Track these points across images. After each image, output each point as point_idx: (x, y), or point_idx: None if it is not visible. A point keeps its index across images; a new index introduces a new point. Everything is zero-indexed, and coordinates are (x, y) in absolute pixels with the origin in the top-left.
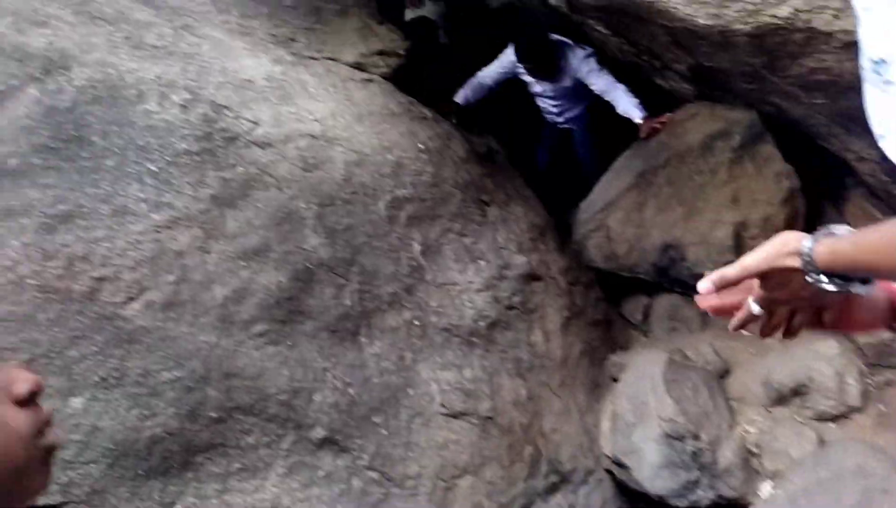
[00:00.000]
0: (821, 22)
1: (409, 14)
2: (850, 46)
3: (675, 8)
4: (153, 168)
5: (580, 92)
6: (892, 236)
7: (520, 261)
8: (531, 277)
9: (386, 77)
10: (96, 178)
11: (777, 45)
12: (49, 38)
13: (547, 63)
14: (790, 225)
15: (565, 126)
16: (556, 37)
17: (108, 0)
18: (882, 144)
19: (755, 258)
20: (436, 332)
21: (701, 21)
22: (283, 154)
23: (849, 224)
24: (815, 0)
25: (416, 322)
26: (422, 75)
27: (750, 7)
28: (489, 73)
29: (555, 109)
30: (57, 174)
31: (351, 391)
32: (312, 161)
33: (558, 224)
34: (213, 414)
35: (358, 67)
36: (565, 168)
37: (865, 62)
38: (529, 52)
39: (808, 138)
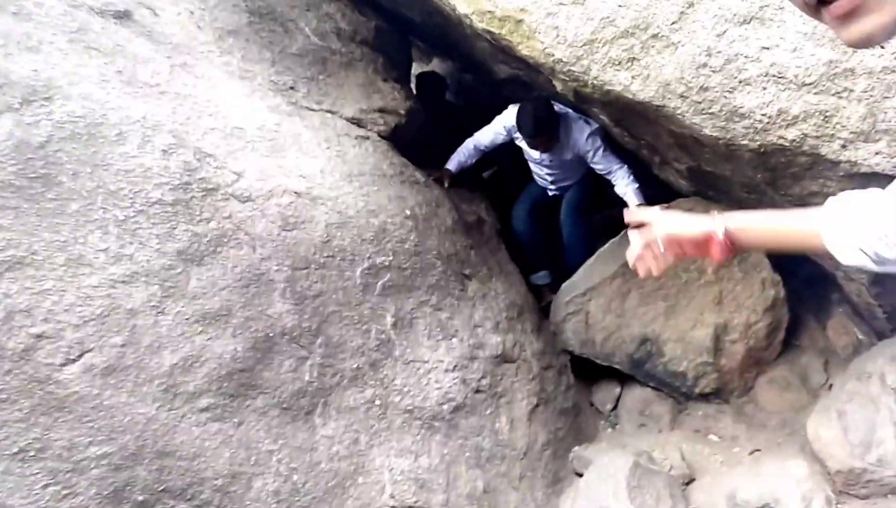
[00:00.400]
0: (828, 150)
1: (417, 68)
2: (855, 177)
3: (682, 115)
4: (120, 216)
5: (578, 166)
6: (781, 225)
7: (494, 341)
8: (503, 359)
9: (383, 135)
10: (57, 222)
11: (781, 164)
12: (37, 64)
13: (547, 135)
14: (772, 334)
15: (555, 193)
16: (560, 107)
17: (107, 30)
18: None
19: (682, 229)
20: (396, 413)
21: (707, 132)
22: (262, 210)
23: (830, 340)
24: (826, 128)
25: (377, 402)
26: (424, 132)
27: (758, 125)
28: (484, 136)
29: (549, 178)
30: (14, 215)
31: (295, 477)
32: (293, 220)
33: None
34: (140, 497)
35: (356, 122)
36: (545, 236)
37: None
38: (529, 122)
39: None
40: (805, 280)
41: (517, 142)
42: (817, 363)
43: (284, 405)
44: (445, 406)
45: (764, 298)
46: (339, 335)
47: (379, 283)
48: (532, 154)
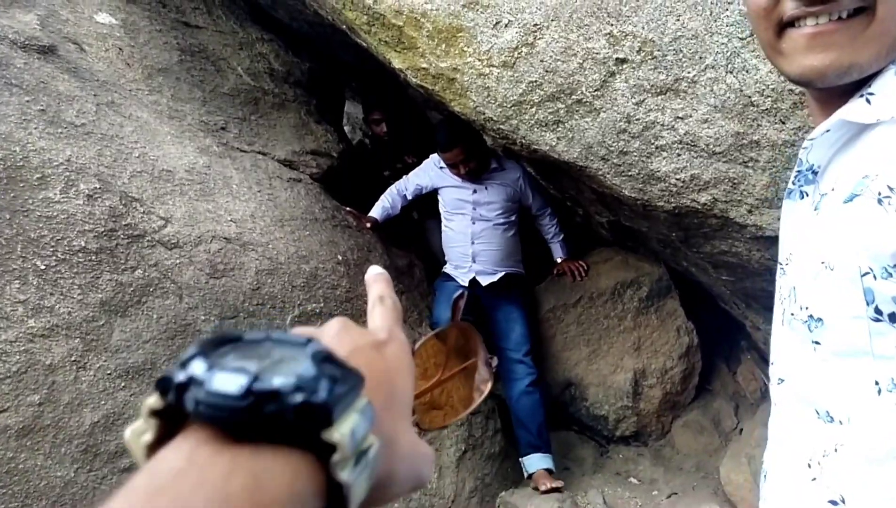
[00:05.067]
0: (736, 214)
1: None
2: (760, 239)
3: (603, 176)
4: (41, 265)
5: (508, 210)
6: None
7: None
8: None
9: (315, 177)
10: None
11: (694, 224)
12: None
13: (466, 148)
14: (686, 379)
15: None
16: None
17: (31, 66)
18: None
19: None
20: None
21: (626, 192)
22: (190, 257)
23: (740, 385)
24: (734, 194)
25: None
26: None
27: (673, 189)
28: (413, 178)
29: (472, 239)
30: None
31: None
32: (222, 267)
33: None
34: None
35: (288, 164)
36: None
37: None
38: (443, 131)
39: (711, 298)
40: (716, 328)
41: (443, 184)
42: (728, 408)
43: None
44: None
45: (679, 344)
46: None
47: None
48: (458, 194)
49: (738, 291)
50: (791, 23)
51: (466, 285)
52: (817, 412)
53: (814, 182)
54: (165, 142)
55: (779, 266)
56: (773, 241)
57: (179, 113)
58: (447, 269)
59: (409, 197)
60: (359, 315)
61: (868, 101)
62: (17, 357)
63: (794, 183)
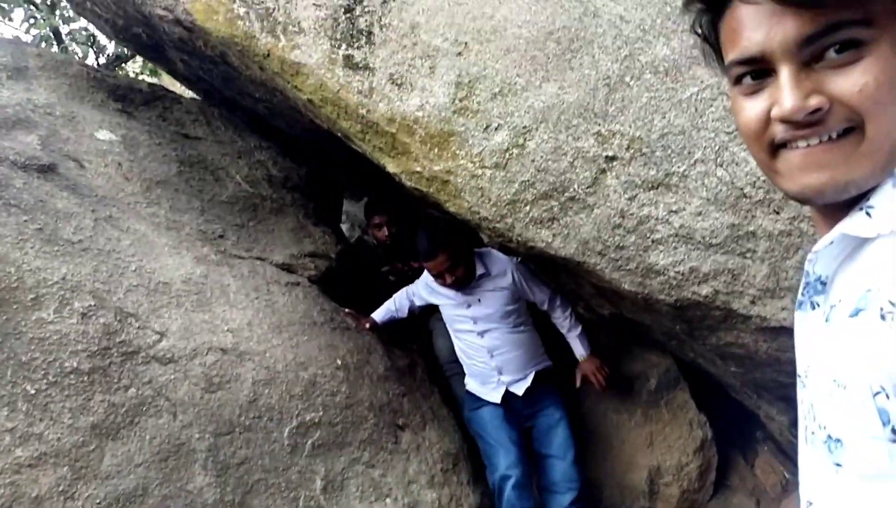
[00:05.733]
0: (739, 305)
1: (348, 205)
2: (765, 330)
3: (601, 271)
4: (31, 390)
5: (513, 312)
6: None
7: (430, 498)
8: None
9: (313, 280)
10: None
11: (697, 317)
12: None
13: (448, 254)
14: (703, 475)
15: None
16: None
17: (30, 185)
18: None
19: None
20: None
21: (626, 286)
22: (185, 372)
23: (759, 479)
24: (735, 285)
25: None
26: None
27: (673, 282)
28: (417, 287)
29: (487, 353)
30: None
31: None
32: (217, 380)
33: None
34: None
35: (286, 268)
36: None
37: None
38: (423, 240)
39: (721, 387)
40: (729, 419)
41: (439, 299)
42: (749, 504)
43: None
44: None
45: (693, 438)
46: (265, 507)
47: (308, 442)
48: (455, 310)
49: (749, 382)
50: (784, 143)
51: (499, 402)
52: None
53: (824, 292)
54: (163, 253)
55: (798, 378)
56: (779, 331)
57: (178, 223)
58: (472, 388)
59: (417, 304)
60: (359, 422)
61: (868, 214)
62: (2, 491)
63: (803, 294)
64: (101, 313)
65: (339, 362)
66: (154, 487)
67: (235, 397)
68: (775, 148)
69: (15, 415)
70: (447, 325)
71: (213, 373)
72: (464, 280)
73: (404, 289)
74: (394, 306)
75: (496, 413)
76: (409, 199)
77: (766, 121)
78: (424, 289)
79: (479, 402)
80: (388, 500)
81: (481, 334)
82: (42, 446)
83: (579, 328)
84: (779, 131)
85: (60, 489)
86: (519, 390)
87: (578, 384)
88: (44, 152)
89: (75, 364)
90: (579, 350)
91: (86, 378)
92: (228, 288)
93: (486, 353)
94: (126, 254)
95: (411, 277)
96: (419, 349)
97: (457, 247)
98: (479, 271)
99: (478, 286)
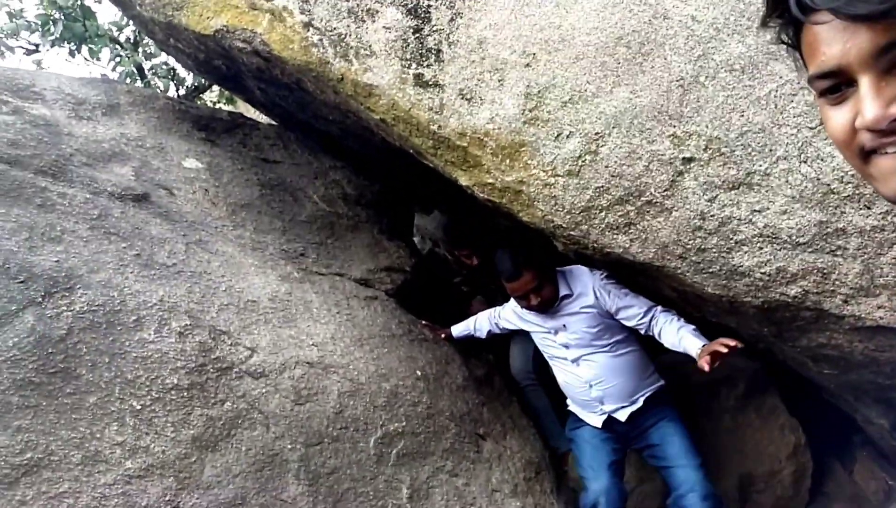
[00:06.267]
0: (831, 305)
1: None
2: (860, 330)
3: (683, 275)
4: (137, 406)
5: (607, 332)
6: None
7: (514, 506)
8: None
9: (390, 293)
10: (75, 418)
11: (786, 318)
12: (59, 255)
13: (533, 275)
14: (798, 482)
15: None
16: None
17: (126, 214)
18: None
19: None
20: None
21: (709, 290)
22: (276, 385)
23: (859, 486)
24: (825, 285)
25: None
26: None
27: (759, 283)
28: (504, 311)
29: (583, 374)
30: (33, 415)
31: None
32: (305, 393)
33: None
34: None
35: (364, 282)
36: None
37: None
38: (506, 261)
39: (815, 390)
40: (825, 423)
41: (529, 325)
42: None
43: None
44: None
45: (785, 443)
46: None
47: (393, 452)
48: (543, 338)
49: (844, 384)
50: (874, 150)
51: (600, 426)
52: None
53: None
54: (250, 273)
55: None
56: (876, 331)
57: (262, 244)
58: (573, 408)
59: (501, 328)
60: (441, 432)
61: None
62: (116, 501)
63: None
64: (196, 331)
65: (418, 373)
66: (251, 496)
67: (323, 408)
68: (866, 154)
69: (124, 429)
70: (542, 352)
71: (301, 386)
72: (549, 302)
73: (488, 311)
74: (473, 325)
75: (594, 434)
76: (484, 212)
77: (853, 130)
78: (513, 315)
79: (580, 422)
80: None
81: (576, 361)
82: (149, 458)
83: (692, 326)
84: (866, 140)
85: (167, 498)
86: (622, 416)
87: (708, 367)
88: (137, 183)
89: (175, 381)
90: (697, 343)
91: (185, 394)
92: (311, 304)
93: (584, 383)
94: (216, 275)
95: (484, 287)
96: (495, 360)
97: (540, 265)
98: (563, 291)
99: (560, 310)
